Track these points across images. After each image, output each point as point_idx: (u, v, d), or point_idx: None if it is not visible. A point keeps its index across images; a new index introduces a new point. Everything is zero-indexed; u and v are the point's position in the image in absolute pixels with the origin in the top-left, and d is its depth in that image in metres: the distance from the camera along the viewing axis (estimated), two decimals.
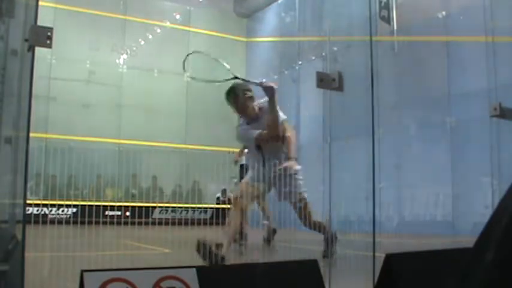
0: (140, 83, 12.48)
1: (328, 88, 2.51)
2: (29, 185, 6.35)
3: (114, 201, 9.73)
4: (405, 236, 7.77)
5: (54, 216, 9.03)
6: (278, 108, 4.11)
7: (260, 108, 4.31)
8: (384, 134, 8.90)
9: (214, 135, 11.80)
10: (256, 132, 4.25)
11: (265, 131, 4.22)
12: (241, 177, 5.77)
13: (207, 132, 12.35)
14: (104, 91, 12.15)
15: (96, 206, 7.18)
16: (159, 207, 11.43)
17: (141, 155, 11.92)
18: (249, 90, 4.30)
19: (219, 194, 11.86)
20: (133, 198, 7.76)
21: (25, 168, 1.95)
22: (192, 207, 11.38)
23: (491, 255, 0.69)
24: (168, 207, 11.45)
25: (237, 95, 4.23)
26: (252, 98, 4.30)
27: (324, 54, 10.72)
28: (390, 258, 1.79)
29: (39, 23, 1.96)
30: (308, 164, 11.13)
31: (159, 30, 13.14)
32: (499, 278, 0.68)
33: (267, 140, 4.26)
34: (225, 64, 4.16)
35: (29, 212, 7.92)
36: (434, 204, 8.76)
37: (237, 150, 6.43)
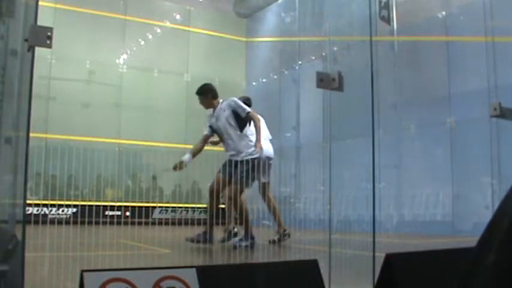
0: (140, 83, 12.47)
1: (328, 88, 2.51)
2: (29, 185, 6.34)
3: (114, 201, 9.73)
4: (405, 236, 7.78)
5: (54, 216, 9.03)
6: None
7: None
8: (384, 134, 8.90)
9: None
10: None
11: None
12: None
13: None
14: (104, 91, 12.15)
15: (96, 206, 7.18)
16: (159, 207, 11.43)
17: (141, 155, 11.92)
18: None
19: None
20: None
21: (25, 168, 1.95)
22: (192, 207, 11.39)
23: (492, 257, 0.69)
24: (168, 207, 11.45)
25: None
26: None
27: (324, 54, 10.72)
28: (390, 258, 1.79)
29: (39, 23, 1.95)
30: (308, 164, 11.16)
31: (159, 30, 13.13)
32: (499, 280, 0.67)
33: None
34: None
35: (29, 212, 7.94)
36: (434, 204, 8.76)
37: None
